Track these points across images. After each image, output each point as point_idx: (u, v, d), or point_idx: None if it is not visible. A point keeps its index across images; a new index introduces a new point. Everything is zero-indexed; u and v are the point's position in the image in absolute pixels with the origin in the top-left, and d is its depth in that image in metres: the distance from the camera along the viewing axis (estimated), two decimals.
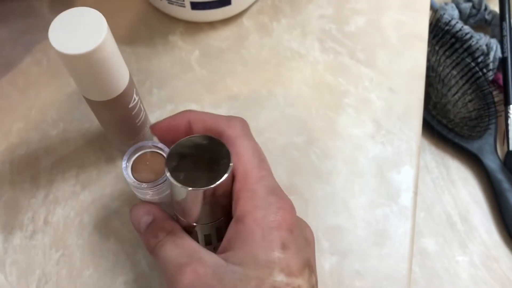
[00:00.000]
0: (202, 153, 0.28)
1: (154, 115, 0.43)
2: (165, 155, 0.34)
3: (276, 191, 0.28)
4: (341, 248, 0.39)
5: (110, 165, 0.41)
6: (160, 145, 0.34)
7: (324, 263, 0.38)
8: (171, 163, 0.28)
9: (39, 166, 0.41)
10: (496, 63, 0.58)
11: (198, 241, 0.31)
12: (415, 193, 0.41)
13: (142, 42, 0.47)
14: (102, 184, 0.41)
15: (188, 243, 0.28)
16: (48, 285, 0.37)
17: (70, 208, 0.40)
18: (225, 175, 0.27)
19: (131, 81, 0.34)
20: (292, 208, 0.28)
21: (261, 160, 0.29)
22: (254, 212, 0.26)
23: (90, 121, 0.43)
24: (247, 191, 0.27)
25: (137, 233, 0.32)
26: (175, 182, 0.27)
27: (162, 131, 0.32)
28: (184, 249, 0.27)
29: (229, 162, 0.27)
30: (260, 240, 0.26)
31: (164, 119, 0.32)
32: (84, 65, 0.30)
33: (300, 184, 0.41)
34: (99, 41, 0.29)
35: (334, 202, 0.40)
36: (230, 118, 0.30)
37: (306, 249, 0.28)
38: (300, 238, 0.28)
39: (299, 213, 0.39)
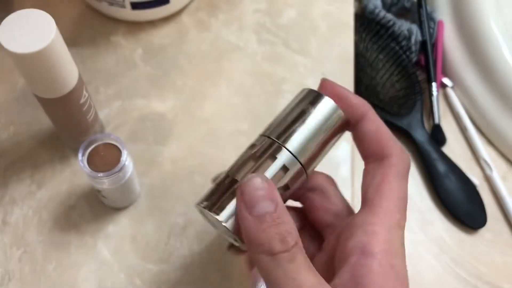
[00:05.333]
0: None
1: (103, 113, 0.45)
2: (118, 145, 0.36)
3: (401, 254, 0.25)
4: None
5: (64, 164, 0.43)
6: (113, 136, 0.36)
7: None
8: None
9: None
10: (418, 46, 0.64)
11: None
12: (352, 166, 0.45)
13: (85, 44, 0.48)
14: (57, 182, 0.42)
15: (312, 268, 0.24)
16: (12, 282, 0.38)
17: (27, 207, 0.41)
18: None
19: (80, 77, 0.36)
20: None
21: (404, 208, 0.27)
22: (387, 260, 0.24)
23: (41, 123, 0.44)
24: (386, 230, 0.25)
25: (240, 210, 0.24)
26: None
27: (333, 94, 0.29)
28: (311, 278, 0.23)
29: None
30: None
31: (344, 90, 0.29)
32: (36, 64, 0.31)
33: None
34: (49, 39, 0.30)
35: None
36: (401, 148, 0.28)
37: None
38: None
39: None
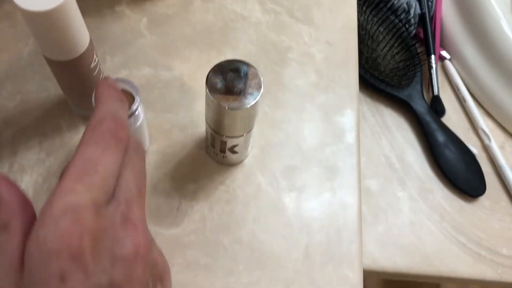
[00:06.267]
0: (236, 75, 0.34)
1: None
2: (132, 91, 0.36)
3: (76, 211, 0.22)
4: (298, 185, 0.43)
5: (72, 131, 0.43)
6: (127, 81, 0.36)
7: (285, 199, 0.42)
8: (211, 82, 0.34)
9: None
10: (416, 19, 0.64)
11: (226, 150, 0.40)
12: (358, 132, 0.46)
13: (90, 13, 0.48)
14: (66, 149, 0.42)
15: None
16: None
17: (37, 175, 0.41)
18: (258, 96, 0.34)
19: (91, 41, 0.36)
20: (84, 230, 0.22)
21: (86, 172, 0.23)
22: (38, 231, 0.21)
23: (48, 91, 0.44)
24: (46, 203, 0.22)
25: None
26: (214, 100, 0.33)
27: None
28: None
29: (261, 82, 0.34)
30: (38, 271, 0.21)
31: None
32: (48, 23, 0.31)
33: (256, 133, 0.44)
34: None
35: (288, 146, 0.44)
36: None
37: (107, 272, 0.22)
38: (99, 262, 0.22)
39: (257, 159, 0.43)
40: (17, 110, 0.43)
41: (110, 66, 0.46)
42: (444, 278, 0.54)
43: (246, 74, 0.34)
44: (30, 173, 0.41)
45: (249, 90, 0.34)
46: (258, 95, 0.34)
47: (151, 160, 0.42)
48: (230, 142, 0.39)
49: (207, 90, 0.34)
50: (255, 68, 0.35)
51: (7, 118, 0.43)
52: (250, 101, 0.34)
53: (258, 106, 0.35)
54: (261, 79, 0.34)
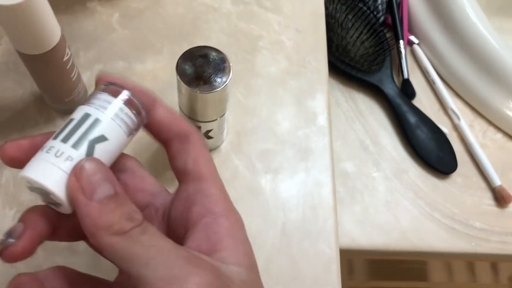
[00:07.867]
0: (205, 60, 0.36)
1: (85, 76, 0.46)
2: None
3: None
4: (273, 167, 0.44)
5: (50, 125, 0.44)
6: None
7: (261, 180, 0.43)
8: (181, 68, 0.35)
9: None
10: (384, 5, 0.66)
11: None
12: (329, 114, 0.47)
13: (62, 11, 0.49)
14: None
15: (164, 235, 0.24)
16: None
17: (16, 169, 0.41)
18: (228, 80, 0.35)
19: (62, 35, 0.37)
20: None
21: (218, 173, 0.29)
22: (231, 215, 0.27)
23: (24, 88, 0.45)
24: (220, 191, 0.27)
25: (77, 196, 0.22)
26: (185, 86, 0.34)
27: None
28: (169, 242, 0.23)
29: (230, 66, 0.35)
30: (246, 241, 0.26)
31: (130, 82, 0.27)
32: (18, 17, 0.32)
33: (231, 120, 0.46)
34: None
35: (262, 131, 0.46)
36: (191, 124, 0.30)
37: None
38: None
39: (233, 145, 0.44)
40: None
41: (84, 62, 0.47)
42: (421, 253, 0.55)
43: (214, 59, 0.36)
44: (10, 168, 0.41)
45: (219, 74, 0.35)
46: (228, 78, 0.35)
47: (128, 149, 0.43)
48: (204, 127, 0.40)
49: (178, 76, 0.35)
50: (223, 53, 0.36)
51: None
52: (220, 85, 0.35)
53: (228, 89, 0.36)
54: (230, 63, 0.36)
